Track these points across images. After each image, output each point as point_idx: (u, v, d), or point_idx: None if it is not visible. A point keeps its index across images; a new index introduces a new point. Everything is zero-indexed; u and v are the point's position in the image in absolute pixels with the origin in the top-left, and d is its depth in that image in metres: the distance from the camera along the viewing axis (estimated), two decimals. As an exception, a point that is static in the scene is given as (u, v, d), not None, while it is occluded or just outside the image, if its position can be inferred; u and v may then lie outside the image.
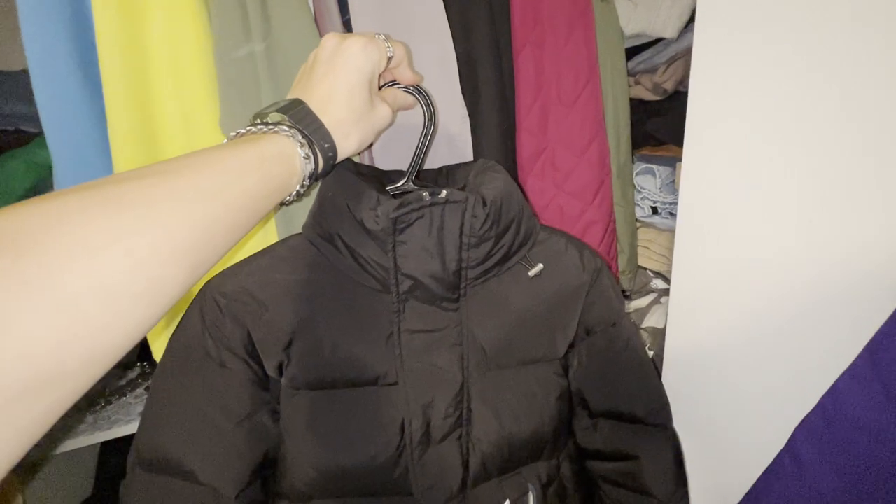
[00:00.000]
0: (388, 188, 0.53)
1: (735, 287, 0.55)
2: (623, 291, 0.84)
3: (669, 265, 0.85)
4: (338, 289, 0.49)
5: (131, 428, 0.81)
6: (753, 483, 0.51)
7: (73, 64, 0.51)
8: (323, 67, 0.41)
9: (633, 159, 0.83)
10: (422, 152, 0.53)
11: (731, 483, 0.55)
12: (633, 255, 0.84)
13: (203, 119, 0.54)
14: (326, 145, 0.40)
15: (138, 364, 1.04)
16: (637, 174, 0.87)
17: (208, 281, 0.49)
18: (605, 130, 0.72)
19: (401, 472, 0.47)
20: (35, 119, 0.53)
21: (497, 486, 0.50)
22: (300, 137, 0.38)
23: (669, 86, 0.80)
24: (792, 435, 0.46)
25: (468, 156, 0.63)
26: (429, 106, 0.51)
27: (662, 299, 0.89)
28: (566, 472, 0.56)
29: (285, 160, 0.36)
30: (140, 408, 0.85)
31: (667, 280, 0.89)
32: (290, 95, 0.42)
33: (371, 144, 0.49)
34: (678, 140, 0.57)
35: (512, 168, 0.69)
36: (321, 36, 0.56)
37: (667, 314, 0.63)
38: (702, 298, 0.60)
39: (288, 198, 0.39)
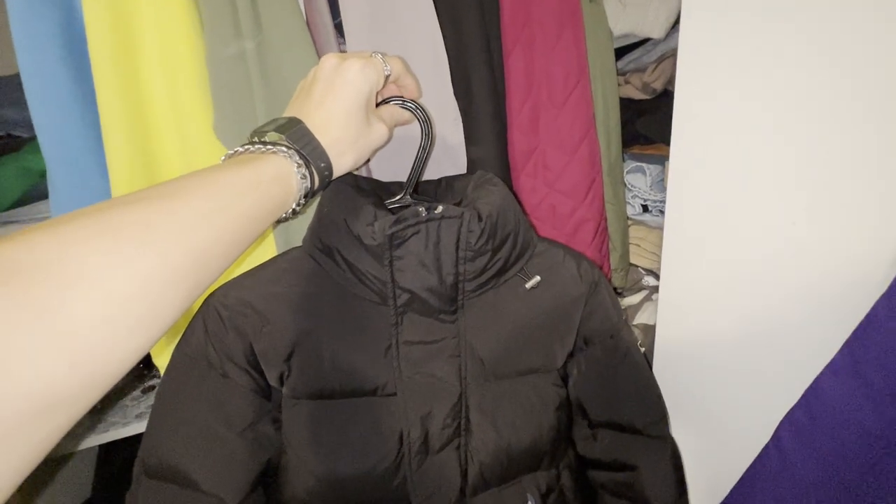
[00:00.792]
0: (385, 202, 0.54)
1: (723, 284, 0.56)
2: (615, 289, 0.85)
3: (661, 262, 0.86)
4: (337, 301, 0.49)
5: (128, 430, 0.81)
6: (741, 476, 0.52)
7: (65, 67, 0.51)
8: (322, 88, 0.42)
9: (623, 158, 0.84)
10: (419, 167, 0.53)
11: (721, 476, 0.56)
12: (625, 253, 0.84)
13: (196, 121, 0.54)
14: (323, 164, 0.40)
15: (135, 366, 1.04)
16: (627, 173, 0.88)
17: (212, 293, 0.49)
18: (595, 130, 0.73)
19: (399, 482, 0.48)
20: (27, 124, 0.53)
21: (496, 495, 0.51)
22: (297, 158, 0.38)
23: (658, 85, 0.81)
24: (777, 428, 0.47)
25: (461, 157, 0.63)
26: (426, 122, 0.51)
27: (654, 296, 0.90)
28: (566, 481, 0.56)
29: (283, 180, 0.37)
30: (137, 410, 0.85)
31: (658, 277, 0.90)
32: (288, 113, 0.43)
33: (368, 161, 0.49)
34: (668, 139, 0.57)
35: (505, 168, 0.70)
36: (313, 38, 0.57)
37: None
38: (690, 295, 0.61)
39: (283, 215, 0.39)
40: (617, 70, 0.80)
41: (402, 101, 0.50)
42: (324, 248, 0.49)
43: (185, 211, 0.29)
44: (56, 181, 0.53)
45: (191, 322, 0.49)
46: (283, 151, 0.37)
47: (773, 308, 0.52)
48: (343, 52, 0.59)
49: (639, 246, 0.90)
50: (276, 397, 0.49)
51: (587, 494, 0.58)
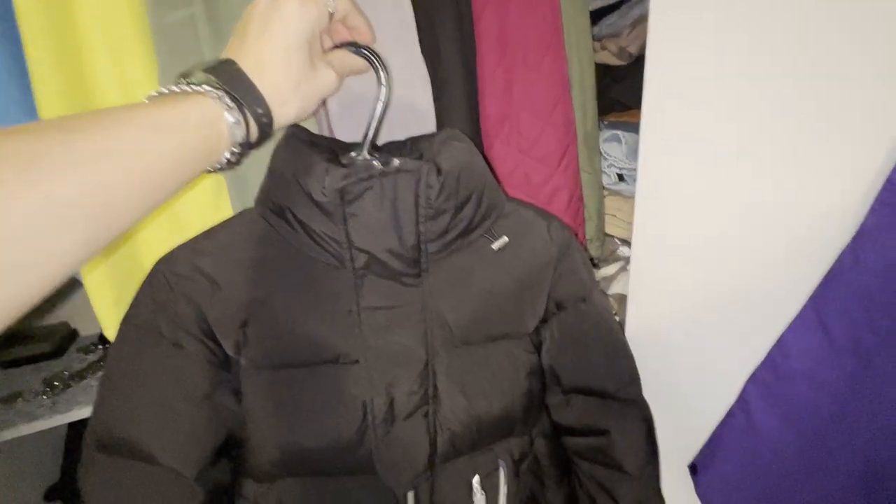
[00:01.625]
0: (341, 159, 0.51)
1: (694, 253, 0.56)
2: (591, 259, 0.85)
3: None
4: (293, 265, 0.47)
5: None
6: (708, 438, 0.53)
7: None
8: (256, 27, 0.38)
9: (599, 126, 0.82)
10: (378, 120, 0.49)
11: (693, 444, 0.56)
12: (601, 223, 0.84)
13: (144, 89, 0.50)
14: (260, 111, 0.37)
15: (100, 346, 1.01)
16: (604, 141, 0.87)
17: (158, 260, 0.47)
18: (569, 93, 0.71)
19: (365, 451, 0.47)
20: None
21: (467, 462, 0.50)
22: (228, 100, 0.35)
23: (634, 49, 0.79)
24: (743, 388, 0.47)
25: (431, 121, 0.61)
26: (382, 69, 0.47)
27: (629, 266, 0.90)
28: (541, 448, 0.56)
29: (210, 124, 0.34)
30: (101, 390, 0.83)
31: (634, 247, 0.90)
32: (223, 56, 0.39)
33: (316, 112, 0.46)
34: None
35: (477, 133, 0.68)
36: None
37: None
38: (661, 265, 0.60)
39: (217, 165, 0.36)
40: (593, 36, 0.78)
41: (356, 48, 0.46)
42: (275, 207, 0.46)
43: (82, 145, 0.26)
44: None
45: (138, 291, 0.46)
46: (212, 93, 0.34)
47: (745, 276, 0.51)
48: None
49: (615, 216, 0.89)
50: (236, 368, 0.47)
51: (563, 461, 0.58)
